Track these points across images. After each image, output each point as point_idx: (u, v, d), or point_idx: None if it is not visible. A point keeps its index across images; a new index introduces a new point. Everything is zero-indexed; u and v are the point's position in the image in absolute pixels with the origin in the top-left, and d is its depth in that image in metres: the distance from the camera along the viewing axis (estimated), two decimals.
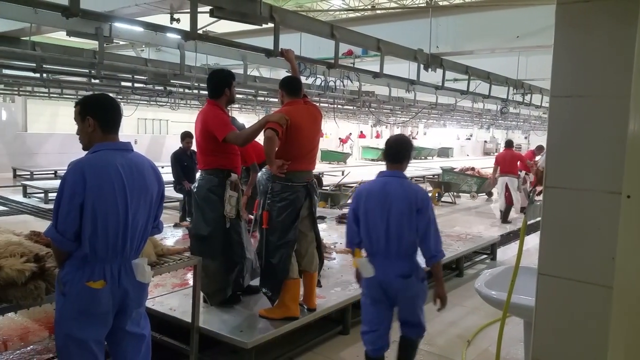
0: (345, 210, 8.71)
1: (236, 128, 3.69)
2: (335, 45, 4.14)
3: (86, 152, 2.30)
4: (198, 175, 3.82)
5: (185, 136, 7.28)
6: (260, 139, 3.59)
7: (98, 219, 2.14)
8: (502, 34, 5.24)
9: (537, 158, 10.37)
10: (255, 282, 3.86)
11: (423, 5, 8.01)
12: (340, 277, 4.69)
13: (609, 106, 1.75)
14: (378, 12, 6.26)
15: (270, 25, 3.65)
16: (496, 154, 13.34)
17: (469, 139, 36.43)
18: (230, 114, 4.09)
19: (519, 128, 21.30)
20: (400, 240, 2.78)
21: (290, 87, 3.66)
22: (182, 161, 7.31)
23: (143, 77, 7.75)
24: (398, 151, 2.94)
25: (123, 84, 9.04)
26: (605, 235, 1.73)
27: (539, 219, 1.97)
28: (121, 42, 7.49)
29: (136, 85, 8.72)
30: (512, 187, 9.51)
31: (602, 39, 1.75)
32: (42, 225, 7.99)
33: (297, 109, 3.56)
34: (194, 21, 3.11)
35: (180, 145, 7.38)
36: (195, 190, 3.69)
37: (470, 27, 5.33)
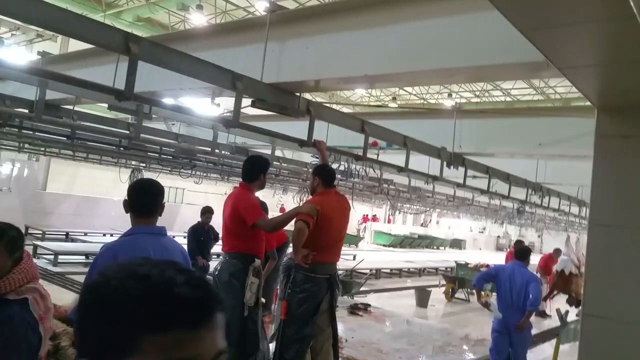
0: (357, 300, 8.50)
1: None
2: (364, 139, 4.29)
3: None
4: (221, 258, 3.79)
5: (206, 211, 7.34)
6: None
7: None
8: (524, 141, 5.41)
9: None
10: None
11: (448, 108, 8.36)
12: None
13: None
14: (405, 109, 6.53)
15: None
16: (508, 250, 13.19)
17: (482, 232, 36.14)
18: None
19: (532, 226, 21.14)
20: (519, 301, 5.05)
21: (328, 178, 3.76)
22: (199, 236, 7.31)
23: (171, 149, 8.01)
24: (518, 253, 5.58)
25: (149, 153, 9.34)
26: None
27: (573, 343, 1.89)
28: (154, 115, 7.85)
29: (163, 156, 8.99)
30: None
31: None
32: (50, 289, 7.86)
33: (329, 200, 3.62)
34: (236, 112, 3.27)
35: (199, 219, 7.42)
36: (216, 273, 3.64)
37: (492, 131, 5.52)
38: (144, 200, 2.34)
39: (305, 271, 3.47)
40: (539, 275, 10.22)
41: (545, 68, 2.53)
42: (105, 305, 0.68)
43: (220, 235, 4.03)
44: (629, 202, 1.77)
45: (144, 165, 12.00)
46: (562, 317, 4.87)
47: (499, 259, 19.51)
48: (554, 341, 7.06)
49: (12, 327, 1.71)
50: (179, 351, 0.65)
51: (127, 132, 6.42)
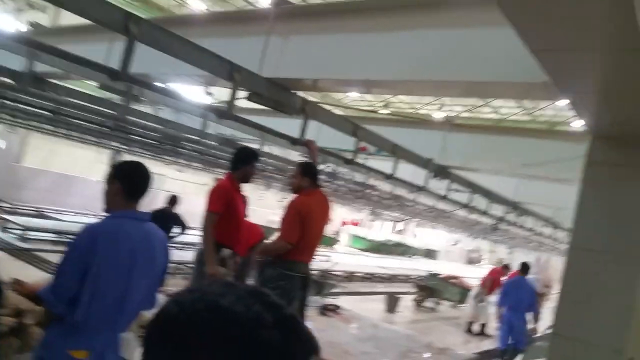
0: (328, 301, 8.51)
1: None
2: (355, 143, 4.31)
3: (106, 213, 2.30)
4: None
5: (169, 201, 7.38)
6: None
7: (99, 288, 2.08)
8: (508, 159, 5.52)
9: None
10: None
11: (439, 120, 8.46)
12: None
13: (623, 265, 1.79)
14: (396, 117, 6.58)
15: None
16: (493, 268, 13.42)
17: (455, 244, 36.56)
18: None
19: (505, 243, 21.51)
20: (522, 306, 7.13)
21: (315, 177, 3.75)
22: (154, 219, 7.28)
23: (156, 134, 7.88)
24: (523, 268, 7.70)
25: (133, 136, 9.16)
26: None
27: None
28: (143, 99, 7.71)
29: (146, 140, 8.84)
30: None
31: (626, 201, 1.85)
32: (16, 265, 7.65)
33: (314, 201, 3.63)
34: (231, 103, 3.25)
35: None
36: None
37: (480, 147, 5.61)
38: (142, 183, 2.30)
39: (280, 268, 3.47)
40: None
41: (540, 89, 2.58)
42: (180, 341, 0.57)
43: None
44: (613, 229, 1.82)
45: (126, 147, 11.78)
46: (529, 334, 5.16)
47: (469, 271, 19.82)
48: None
49: None
50: None
51: (114, 112, 6.30)
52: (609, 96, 1.48)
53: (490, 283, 10.28)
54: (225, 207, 3.62)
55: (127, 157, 12.18)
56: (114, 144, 11.56)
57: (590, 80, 1.44)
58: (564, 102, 1.96)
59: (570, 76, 1.40)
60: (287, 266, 3.47)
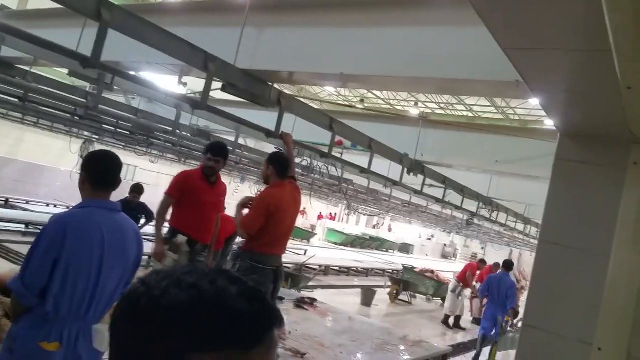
0: (304, 294, 8.54)
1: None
2: (332, 137, 4.30)
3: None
4: None
5: (133, 190, 7.14)
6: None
7: (69, 278, 2.05)
8: (482, 156, 5.61)
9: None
10: None
11: (414, 116, 8.55)
12: None
13: (590, 260, 1.85)
14: (372, 112, 6.62)
15: None
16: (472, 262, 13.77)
17: (430, 239, 37.13)
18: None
19: (478, 238, 21.95)
20: (503, 299, 7.54)
21: (283, 168, 3.66)
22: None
23: (128, 124, 7.72)
24: (506, 265, 8.45)
25: (105, 126, 8.95)
26: None
27: (510, 351, 1.99)
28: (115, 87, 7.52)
29: (118, 130, 8.64)
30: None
31: (593, 198, 1.90)
32: None
33: (283, 193, 3.59)
34: (205, 94, 3.20)
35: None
36: None
37: (454, 144, 5.69)
38: (108, 172, 2.25)
39: (252, 261, 3.44)
40: (478, 285, 10.84)
41: (512, 88, 2.63)
42: (146, 318, 0.58)
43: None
44: (579, 225, 1.87)
45: (97, 137, 11.50)
46: (502, 325, 5.39)
47: (444, 266, 20.16)
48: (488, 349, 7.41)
49: None
50: None
51: (85, 100, 6.14)
52: (577, 95, 1.52)
53: (470, 278, 10.60)
54: (180, 193, 3.73)
55: (98, 148, 11.87)
56: (85, 133, 11.28)
57: (559, 79, 1.46)
58: (536, 101, 2.00)
59: (540, 75, 1.43)
60: (259, 259, 3.45)
